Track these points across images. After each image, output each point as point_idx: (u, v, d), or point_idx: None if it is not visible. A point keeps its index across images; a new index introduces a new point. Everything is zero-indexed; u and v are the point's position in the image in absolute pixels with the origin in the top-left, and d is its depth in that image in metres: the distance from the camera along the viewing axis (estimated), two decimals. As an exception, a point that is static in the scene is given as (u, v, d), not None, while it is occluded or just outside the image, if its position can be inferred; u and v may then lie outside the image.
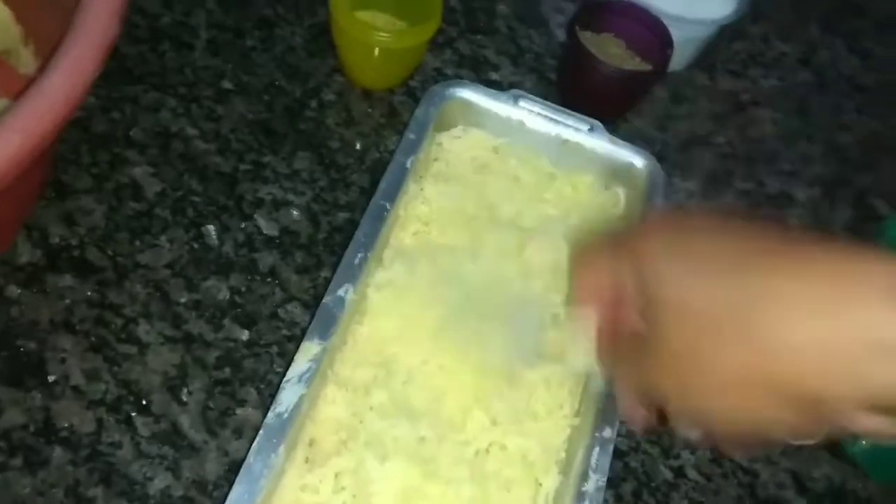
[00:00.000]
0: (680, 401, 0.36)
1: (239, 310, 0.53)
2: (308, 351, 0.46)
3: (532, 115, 0.60)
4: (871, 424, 0.32)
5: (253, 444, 0.42)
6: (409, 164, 0.55)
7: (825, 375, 0.31)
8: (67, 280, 0.52)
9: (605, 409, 0.46)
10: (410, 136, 0.56)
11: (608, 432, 0.45)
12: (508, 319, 0.51)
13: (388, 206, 0.53)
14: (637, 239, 0.38)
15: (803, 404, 0.32)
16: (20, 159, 0.40)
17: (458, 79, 0.66)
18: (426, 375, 0.49)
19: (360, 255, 0.50)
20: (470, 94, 0.60)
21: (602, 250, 0.41)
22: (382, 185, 0.54)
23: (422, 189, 0.57)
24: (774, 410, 0.33)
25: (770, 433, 0.34)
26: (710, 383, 0.34)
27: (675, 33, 0.67)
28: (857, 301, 0.30)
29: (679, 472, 0.53)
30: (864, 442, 0.56)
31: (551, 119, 0.60)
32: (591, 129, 0.59)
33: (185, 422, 0.49)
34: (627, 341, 0.39)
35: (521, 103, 0.60)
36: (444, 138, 0.60)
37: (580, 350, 0.43)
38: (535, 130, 0.60)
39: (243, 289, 0.54)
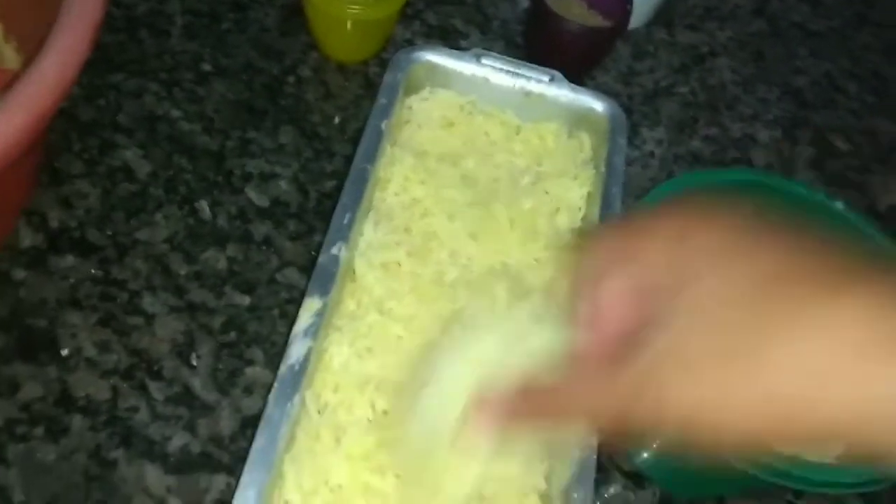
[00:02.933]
0: (688, 410, 0.29)
1: (238, 277, 0.56)
2: (310, 307, 0.48)
3: (495, 72, 0.62)
4: None
5: (270, 395, 0.45)
6: (383, 127, 0.57)
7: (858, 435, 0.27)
8: (70, 260, 0.54)
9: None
10: (382, 100, 0.58)
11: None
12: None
13: (368, 167, 0.55)
14: (695, 225, 0.32)
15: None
16: (23, 138, 0.42)
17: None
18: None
19: (348, 215, 0.53)
20: (434, 57, 0.62)
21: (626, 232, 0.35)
22: (361, 148, 0.56)
23: (397, 151, 0.60)
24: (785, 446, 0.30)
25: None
26: (731, 402, 0.28)
27: (634, -10, 0.70)
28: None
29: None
30: (646, 455, 0.52)
31: (513, 73, 0.62)
32: (552, 79, 0.62)
33: (196, 384, 0.51)
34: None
35: (484, 61, 0.62)
36: (414, 101, 0.62)
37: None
38: (498, 85, 0.62)
39: (240, 258, 0.57)
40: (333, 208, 0.53)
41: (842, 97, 0.78)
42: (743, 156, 0.71)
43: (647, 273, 0.32)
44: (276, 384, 0.45)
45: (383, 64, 0.70)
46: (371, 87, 0.68)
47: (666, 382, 0.29)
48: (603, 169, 0.59)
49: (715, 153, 0.71)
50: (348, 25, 0.65)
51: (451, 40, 0.73)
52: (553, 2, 0.69)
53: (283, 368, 0.45)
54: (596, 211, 0.57)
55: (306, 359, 0.46)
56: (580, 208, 0.60)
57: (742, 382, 0.28)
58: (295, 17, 0.70)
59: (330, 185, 0.62)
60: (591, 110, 0.62)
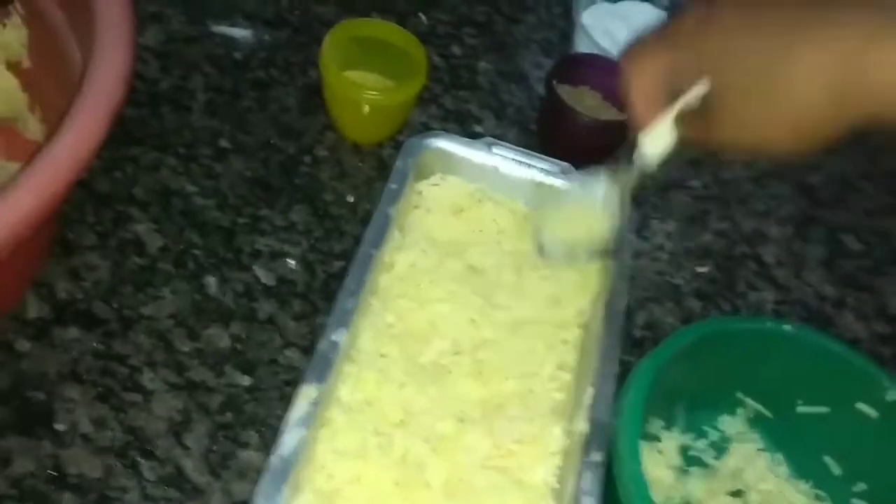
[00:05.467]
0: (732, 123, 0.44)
1: (240, 356, 0.56)
2: (307, 395, 0.48)
3: (506, 161, 0.63)
4: None
5: (257, 487, 0.44)
6: (391, 213, 0.58)
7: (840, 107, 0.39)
8: (74, 333, 0.54)
9: (593, 434, 0.48)
10: (392, 186, 0.59)
11: (597, 457, 0.47)
12: None
13: (374, 253, 0.55)
14: (705, 14, 0.44)
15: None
16: (31, 219, 0.42)
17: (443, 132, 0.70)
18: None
19: (350, 300, 0.53)
20: (445, 144, 0.63)
21: (656, 47, 0.46)
22: (368, 233, 0.56)
23: (405, 236, 0.60)
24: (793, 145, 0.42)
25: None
26: (756, 111, 0.42)
27: (648, 84, 0.70)
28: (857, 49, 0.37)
29: None
30: None
31: (524, 163, 0.63)
32: (563, 171, 0.62)
33: (188, 465, 0.50)
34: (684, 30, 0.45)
35: (495, 150, 0.63)
36: (424, 186, 0.63)
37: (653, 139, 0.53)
38: (509, 175, 0.63)
39: (244, 336, 0.57)
40: (339, 289, 0.54)
41: (856, 196, 0.78)
42: (753, 251, 0.71)
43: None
44: (265, 474, 0.44)
45: (398, 146, 0.70)
46: (384, 169, 0.69)
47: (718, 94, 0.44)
48: (610, 261, 0.59)
49: (724, 248, 0.71)
50: (365, 109, 0.66)
51: (467, 125, 0.74)
52: (567, 93, 0.70)
53: (273, 459, 0.45)
54: (601, 305, 0.57)
55: (298, 449, 0.46)
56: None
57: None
58: (314, 98, 0.71)
59: (338, 265, 0.62)
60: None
